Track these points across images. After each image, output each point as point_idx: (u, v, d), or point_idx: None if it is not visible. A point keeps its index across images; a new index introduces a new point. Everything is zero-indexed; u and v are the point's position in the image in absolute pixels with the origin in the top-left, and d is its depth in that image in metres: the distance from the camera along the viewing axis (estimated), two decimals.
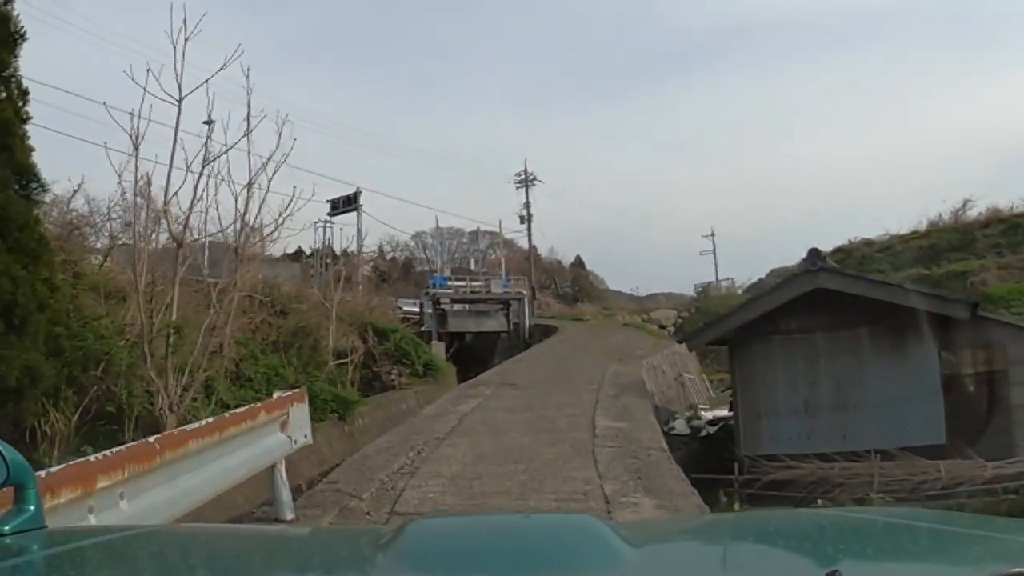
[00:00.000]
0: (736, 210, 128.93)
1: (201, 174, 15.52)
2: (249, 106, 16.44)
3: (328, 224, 59.88)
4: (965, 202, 65.22)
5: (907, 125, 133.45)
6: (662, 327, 60.28)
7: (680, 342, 35.12)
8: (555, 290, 78.16)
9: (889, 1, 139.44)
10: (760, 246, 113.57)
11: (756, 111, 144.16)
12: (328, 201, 59.62)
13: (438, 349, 49.62)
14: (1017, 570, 1.81)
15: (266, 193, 17.59)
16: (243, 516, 11.48)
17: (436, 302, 53.80)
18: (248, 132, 16.42)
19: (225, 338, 17.46)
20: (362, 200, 59.01)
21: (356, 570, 2.50)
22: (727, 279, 70.79)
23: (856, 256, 65.89)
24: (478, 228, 74.82)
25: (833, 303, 21.78)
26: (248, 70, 16.36)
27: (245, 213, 17.74)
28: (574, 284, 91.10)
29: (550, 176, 72.66)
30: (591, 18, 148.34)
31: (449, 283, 55.53)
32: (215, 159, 15.89)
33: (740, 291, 67.99)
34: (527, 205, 70.34)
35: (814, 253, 22.26)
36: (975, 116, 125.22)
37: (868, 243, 68.02)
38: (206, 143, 16.18)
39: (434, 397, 27.79)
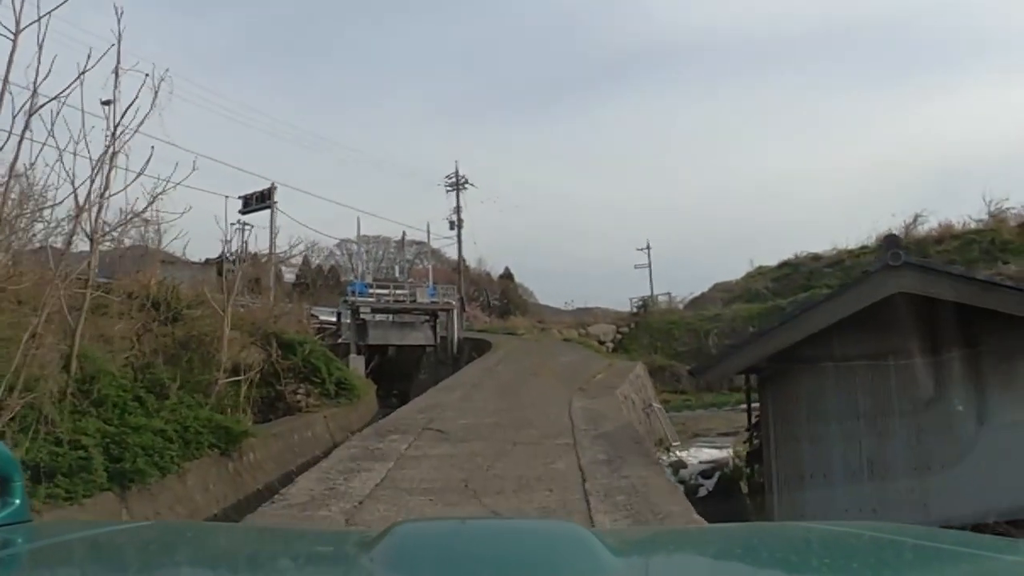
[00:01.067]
0: (670, 227, 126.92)
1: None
2: (119, 56, 13.38)
3: (245, 226, 53.99)
4: (916, 217, 61.94)
5: (838, 144, 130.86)
6: (601, 343, 56.03)
7: (692, 373, 27.89)
8: (484, 302, 70.50)
9: (817, 25, 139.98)
10: (697, 262, 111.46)
11: (692, 129, 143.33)
12: (240, 197, 52.88)
13: (356, 364, 44.79)
14: None
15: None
16: None
17: (355, 312, 48.12)
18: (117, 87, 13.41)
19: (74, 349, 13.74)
20: (279, 197, 52.81)
21: (341, 570, 2.37)
22: (665, 294, 65.99)
23: (803, 271, 63.41)
24: (403, 233, 66.91)
25: (914, 316, 14.91)
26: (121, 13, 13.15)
27: (104, 190, 14.11)
28: (503, 297, 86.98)
29: (480, 187, 61.89)
30: (519, 32, 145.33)
31: (370, 291, 48.03)
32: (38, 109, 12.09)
33: (681, 306, 64.70)
34: (457, 210, 63.84)
35: (892, 242, 15.38)
36: (902, 137, 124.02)
37: (816, 257, 64.40)
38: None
39: (348, 422, 24.32)
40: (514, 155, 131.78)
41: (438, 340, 50.70)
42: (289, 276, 64.17)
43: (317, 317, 52.92)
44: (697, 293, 66.29)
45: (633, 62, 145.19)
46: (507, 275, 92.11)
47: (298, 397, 26.04)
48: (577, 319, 60.82)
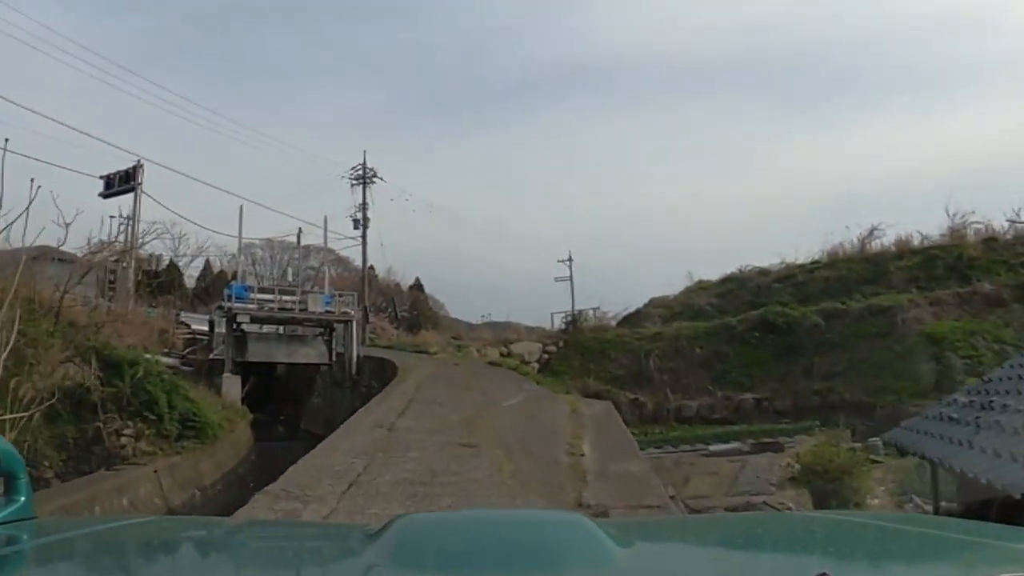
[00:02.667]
0: (592, 242, 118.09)
1: None
2: None
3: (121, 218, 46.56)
4: (872, 230, 56.41)
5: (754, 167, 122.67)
6: (525, 362, 47.17)
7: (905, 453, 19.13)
8: (392, 314, 60.11)
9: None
10: (622, 277, 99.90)
11: (610, 147, 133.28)
12: (102, 177, 42.16)
13: (231, 387, 36.61)
14: None
15: None
16: None
17: (232, 320, 38.80)
18: None
19: None
20: (154, 180, 41.63)
21: (344, 564, 2.37)
22: (594, 308, 56.90)
23: (750, 286, 57.17)
24: (299, 230, 56.36)
25: None
26: None
27: None
28: (412, 309, 79.18)
29: (389, 183, 51.55)
30: (433, 47, 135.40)
31: (251, 296, 36.81)
32: None
33: (614, 322, 56.50)
34: (363, 207, 52.94)
35: None
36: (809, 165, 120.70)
37: (763, 272, 58.08)
38: None
39: (198, 474, 18.58)
40: (426, 167, 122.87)
41: (334, 357, 40.80)
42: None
43: (188, 326, 42.40)
44: (632, 308, 58.51)
45: (548, 80, 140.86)
46: (418, 286, 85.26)
47: (123, 440, 18.81)
48: (497, 336, 51.86)
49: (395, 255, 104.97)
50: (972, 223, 53.40)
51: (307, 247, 73.80)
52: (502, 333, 52.38)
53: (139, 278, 41.20)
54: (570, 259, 75.07)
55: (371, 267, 79.13)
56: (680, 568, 2.32)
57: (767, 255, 63.38)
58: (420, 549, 2.08)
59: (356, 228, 57.56)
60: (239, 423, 30.18)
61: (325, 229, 49.33)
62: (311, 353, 41.45)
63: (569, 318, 53.48)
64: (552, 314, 57.97)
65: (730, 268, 59.60)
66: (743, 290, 56.33)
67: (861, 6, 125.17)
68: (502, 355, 46.29)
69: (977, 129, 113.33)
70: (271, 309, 39.56)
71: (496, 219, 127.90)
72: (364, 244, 56.80)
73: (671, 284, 63.61)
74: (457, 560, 2.00)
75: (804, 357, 46.31)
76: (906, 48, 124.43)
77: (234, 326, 38.03)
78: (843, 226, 71.27)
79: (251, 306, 38.77)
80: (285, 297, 40.66)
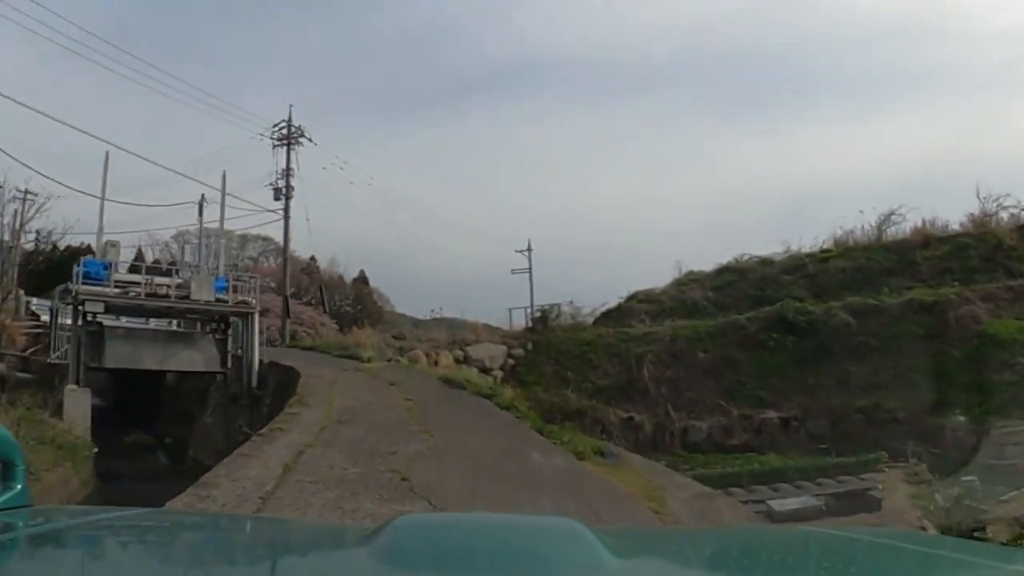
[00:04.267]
0: (549, 239, 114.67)
1: None
2: None
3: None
4: (890, 214, 46.75)
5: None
6: (486, 370, 36.90)
7: None
8: (324, 306, 47.46)
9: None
10: (588, 273, 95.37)
11: (561, 143, 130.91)
12: None
13: (76, 404, 25.26)
14: None
15: None
16: None
17: (80, 308, 26.09)
18: None
19: None
20: None
21: (340, 563, 2.30)
22: (566, 302, 44.74)
23: (752, 278, 46.47)
24: (202, 196, 41.92)
25: None
26: None
27: None
28: (356, 303, 70.17)
29: (320, 145, 38.72)
30: (383, 40, 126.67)
31: (113, 276, 24.33)
32: None
33: (591, 320, 45.17)
34: (287, 173, 40.41)
35: None
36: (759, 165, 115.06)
37: (765, 261, 47.54)
38: None
39: None
40: (372, 161, 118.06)
41: (230, 364, 28.14)
42: None
43: (38, 317, 30.29)
44: (610, 303, 47.48)
45: (493, 79, 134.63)
46: (362, 279, 76.17)
47: None
48: (451, 335, 39.70)
49: (330, 240, 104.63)
50: (1006, 207, 44.82)
51: (245, 235, 68.35)
52: (457, 332, 40.79)
53: None
54: (529, 248, 64.92)
55: (312, 257, 73.49)
56: None
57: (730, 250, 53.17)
58: (416, 550, 2.01)
59: (277, 199, 44.70)
60: (76, 460, 19.19)
61: (223, 189, 36.48)
62: (196, 358, 29.75)
63: (537, 314, 41.85)
64: (510, 310, 47.17)
65: (701, 262, 51.25)
66: (743, 282, 46.00)
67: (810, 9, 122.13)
68: (457, 361, 34.85)
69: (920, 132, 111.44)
70: (137, 296, 27.28)
71: (446, 211, 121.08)
72: (287, 219, 44.42)
73: (656, 276, 52.62)
74: (452, 562, 1.95)
75: (835, 364, 36.31)
76: (853, 52, 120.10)
77: (87, 318, 25.82)
78: (861, 211, 60.12)
79: (109, 290, 26.66)
80: (159, 280, 28.41)
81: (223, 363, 29.91)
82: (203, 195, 40.30)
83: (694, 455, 31.99)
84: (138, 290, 27.70)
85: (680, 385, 36.17)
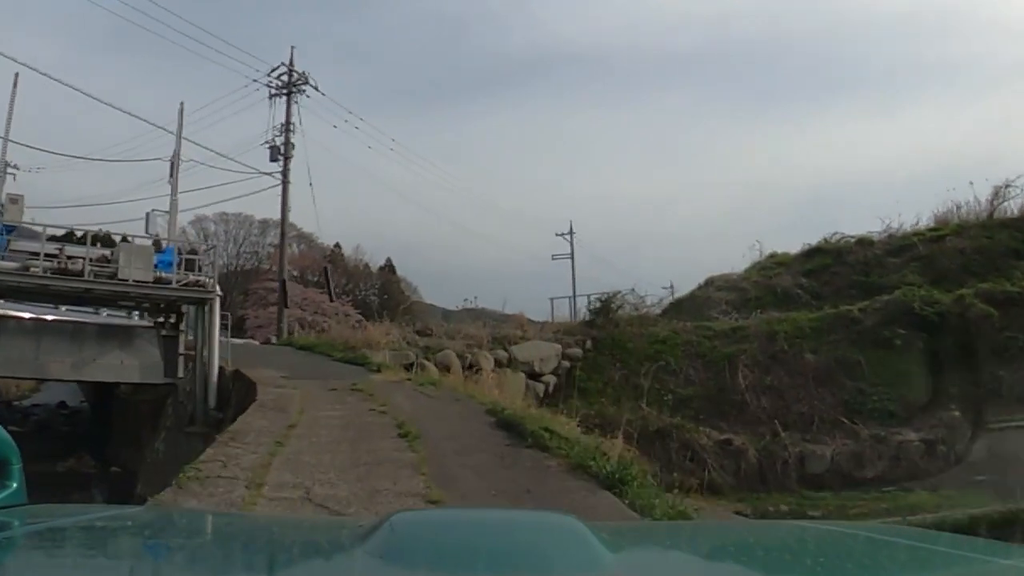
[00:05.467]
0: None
1: None
2: None
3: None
4: (1005, 186, 35.80)
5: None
6: (535, 375, 28.28)
7: None
8: (330, 293, 38.86)
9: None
10: (628, 262, 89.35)
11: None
12: None
13: None
14: None
15: None
16: None
17: None
18: None
19: None
20: None
21: (337, 560, 2.26)
22: (628, 290, 35.30)
23: (851, 261, 37.22)
24: (177, 150, 30.79)
25: None
26: None
27: None
28: (382, 292, 67.84)
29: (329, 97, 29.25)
30: (409, 32, 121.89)
31: (10, 246, 15.01)
32: None
33: (657, 311, 36.22)
34: (287, 128, 31.18)
35: None
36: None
37: (863, 241, 37.89)
38: None
39: None
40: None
41: (183, 373, 19.36)
42: None
43: None
44: (681, 291, 39.49)
45: (522, 70, 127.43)
46: (388, 267, 73.43)
47: None
48: (490, 330, 29.50)
49: (343, 219, 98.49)
50: None
51: (266, 221, 64.57)
52: (495, 326, 31.11)
53: None
54: (571, 232, 61.39)
55: (337, 244, 69.72)
56: (668, 574, 2.26)
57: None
58: (413, 546, 1.96)
59: (274, 160, 35.70)
60: None
61: (180, 124, 27.63)
62: (128, 364, 21.04)
63: (598, 303, 32.55)
64: (552, 300, 40.32)
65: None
66: (840, 266, 36.59)
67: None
68: (499, 364, 25.89)
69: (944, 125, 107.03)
70: (45, 272, 18.34)
71: (476, 200, 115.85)
72: (285, 184, 35.13)
73: (727, 262, 44.45)
74: (449, 558, 1.91)
75: (980, 368, 27.20)
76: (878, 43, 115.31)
77: None
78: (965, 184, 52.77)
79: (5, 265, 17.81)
80: (71, 251, 19.33)
81: (170, 371, 21.24)
82: (175, 151, 31.31)
83: (820, 493, 22.90)
84: (46, 264, 18.65)
85: (785, 396, 27.26)
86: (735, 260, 42.84)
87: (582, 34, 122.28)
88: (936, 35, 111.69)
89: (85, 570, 2.08)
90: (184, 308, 21.49)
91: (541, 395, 26.22)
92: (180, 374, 21.52)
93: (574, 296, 47.39)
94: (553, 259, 59.73)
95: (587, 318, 32.26)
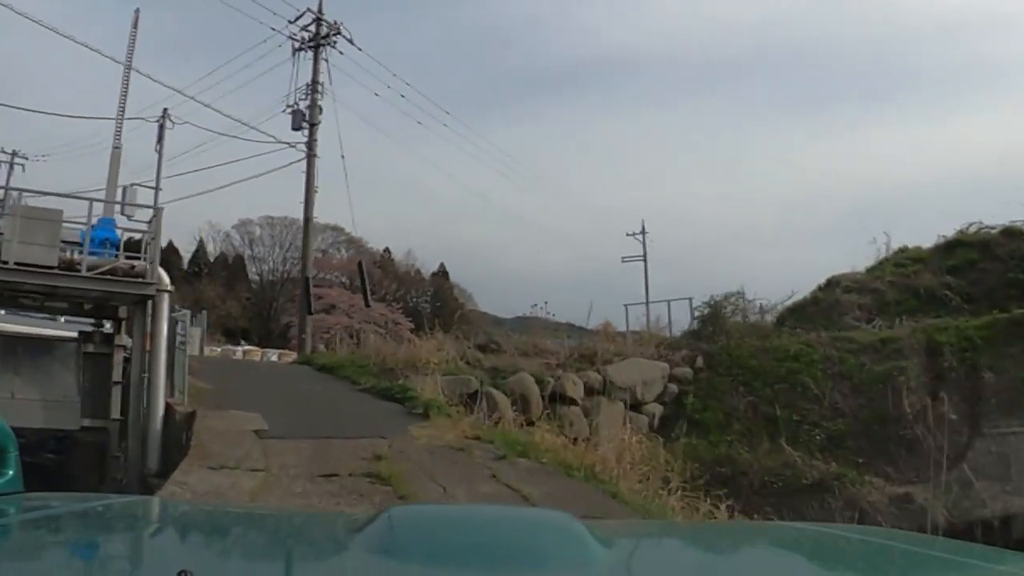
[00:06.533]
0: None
1: None
2: None
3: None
4: None
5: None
6: (637, 404, 20.29)
7: None
8: (366, 297, 31.03)
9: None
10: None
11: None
12: None
13: None
14: None
15: None
16: None
17: None
18: None
19: None
20: None
21: (331, 553, 2.15)
22: (733, 293, 27.61)
23: (1002, 254, 28.43)
24: (165, 112, 25.03)
25: None
26: None
27: None
28: (435, 300, 65.29)
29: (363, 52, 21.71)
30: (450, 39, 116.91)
31: None
32: None
33: (770, 317, 28.61)
34: (313, 88, 23.89)
35: None
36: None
37: (1013, 233, 29.19)
38: None
39: None
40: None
41: (118, 410, 12.12)
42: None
43: None
44: (797, 294, 30.21)
45: (569, 75, 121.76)
46: (441, 273, 70.30)
47: None
48: (578, 346, 22.47)
49: (411, 237, 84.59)
50: None
51: (311, 225, 55.55)
52: (583, 341, 23.57)
53: None
54: (643, 231, 53.96)
55: (386, 249, 68.18)
56: (662, 573, 2.16)
57: None
58: (406, 541, 1.91)
59: (297, 128, 28.23)
60: None
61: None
62: (25, 399, 13.45)
63: (706, 309, 25.66)
64: (626, 307, 32.92)
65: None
66: (990, 260, 28.54)
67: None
68: (591, 391, 18.99)
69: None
70: None
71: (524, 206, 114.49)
72: (310, 158, 28.03)
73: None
74: (443, 554, 1.84)
75: None
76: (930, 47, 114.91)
77: None
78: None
79: None
80: None
81: (96, 408, 14.03)
82: (165, 110, 24.83)
83: None
84: None
85: (964, 428, 19.76)
86: (804, 263, 36.31)
87: (625, 40, 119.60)
88: (987, 37, 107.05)
89: (81, 558, 1.98)
90: (113, 305, 14.32)
91: (645, 430, 19.21)
92: (115, 414, 14.23)
93: (648, 302, 41.05)
94: (623, 261, 53.24)
95: (692, 327, 25.10)
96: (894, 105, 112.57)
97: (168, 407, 13.46)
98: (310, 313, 24.80)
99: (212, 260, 71.51)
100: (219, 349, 39.07)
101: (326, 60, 27.99)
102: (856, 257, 37.91)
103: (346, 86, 39.66)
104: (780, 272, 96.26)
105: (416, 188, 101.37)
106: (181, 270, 70.00)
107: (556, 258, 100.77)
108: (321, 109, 27.73)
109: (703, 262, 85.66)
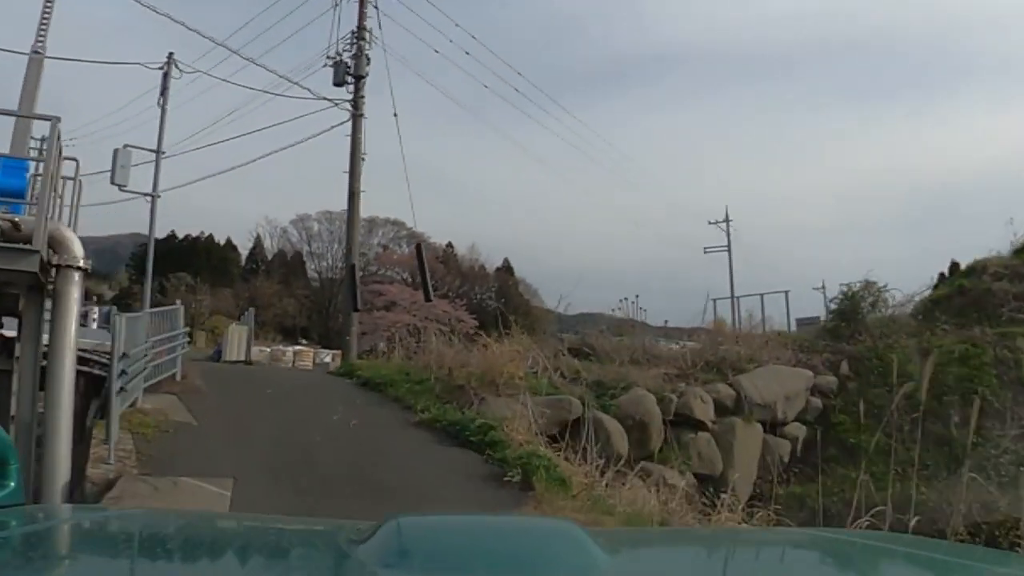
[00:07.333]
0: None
1: None
2: None
3: None
4: None
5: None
6: (775, 424, 15.05)
7: None
8: (427, 289, 25.72)
9: None
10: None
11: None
12: None
13: None
14: None
15: None
16: None
17: None
18: None
19: None
20: None
21: (333, 564, 2.01)
22: (859, 282, 21.38)
23: None
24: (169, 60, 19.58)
25: None
26: None
27: None
28: (499, 296, 56.91)
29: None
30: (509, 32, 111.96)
31: None
32: None
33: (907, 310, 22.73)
34: (359, 34, 19.08)
35: None
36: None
37: None
38: None
39: None
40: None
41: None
42: None
43: None
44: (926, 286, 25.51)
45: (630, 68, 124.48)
46: (506, 268, 65.21)
47: None
48: (701, 351, 17.46)
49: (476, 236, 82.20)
50: None
51: (372, 219, 57.37)
52: (709, 343, 18.73)
53: None
54: (727, 219, 48.58)
55: (449, 244, 64.00)
56: None
57: None
58: (409, 551, 1.77)
59: (340, 84, 22.97)
60: None
61: None
62: None
63: (842, 298, 20.48)
64: (714, 300, 31.83)
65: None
66: None
67: None
68: (723, 409, 14.12)
69: None
70: None
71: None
72: (356, 118, 22.76)
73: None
74: (446, 564, 1.72)
75: None
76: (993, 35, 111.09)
77: None
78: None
79: None
80: None
81: None
82: (171, 54, 20.61)
83: None
84: None
85: None
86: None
87: (682, 35, 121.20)
88: None
89: (83, 570, 1.87)
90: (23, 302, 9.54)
91: (787, 460, 14.50)
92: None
93: (733, 296, 37.61)
94: (705, 252, 48.12)
95: (827, 321, 20.09)
96: (956, 95, 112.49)
97: (78, 469, 8.45)
98: (356, 309, 20.04)
99: (270, 258, 69.01)
100: (267, 350, 35.67)
101: (375, 5, 22.76)
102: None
103: (399, 37, 34.87)
104: (852, 263, 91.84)
105: (477, 174, 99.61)
106: (239, 267, 67.99)
107: (614, 251, 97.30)
108: (368, 60, 22.42)
109: (766, 256, 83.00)
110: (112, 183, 19.65)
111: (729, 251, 47.52)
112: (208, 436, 9.69)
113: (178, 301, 16.36)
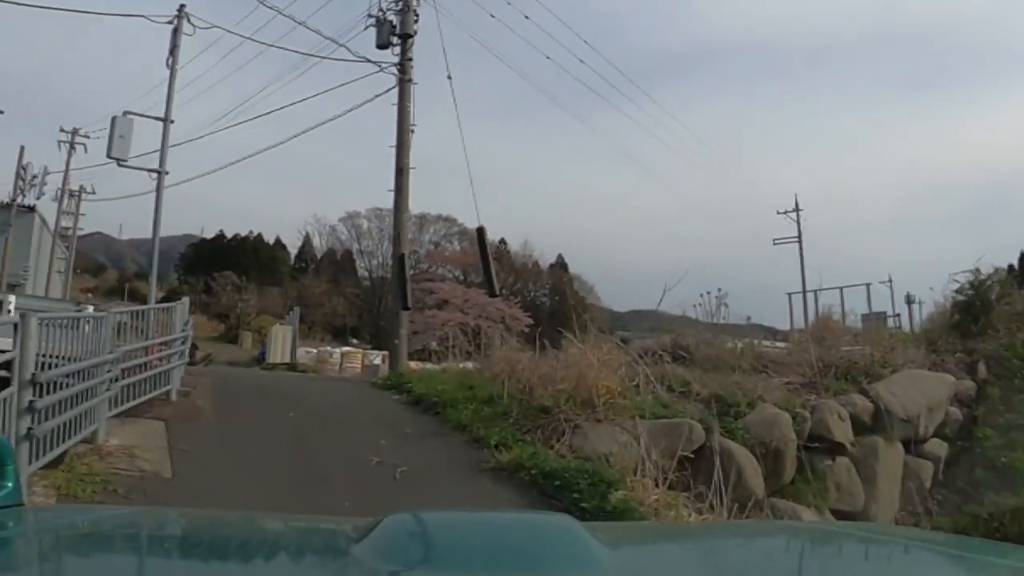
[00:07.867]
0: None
1: None
2: None
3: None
4: None
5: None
6: (912, 442, 11.82)
7: None
8: (492, 285, 22.57)
9: None
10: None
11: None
12: None
13: None
14: None
15: None
16: None
17: None
18: None
19: None
20: None
21: (330, 562, 2.02)
22: (997, 271, 18.58)
23: None
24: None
25: None
26: None
27: None
28: (553, 293, 60.50)
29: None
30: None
31: None
32: None
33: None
34: None
35: None
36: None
37: None
38: None
39: None
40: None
41: None
42: None
43: None
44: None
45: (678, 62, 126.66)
46: (560, 264, 64.92)
47: None
48: (827, 353, 14.47)
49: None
50: None
51: (423, 216, 58.29)
52: (835, 343, 15.76)
53: None
54: (796, 208, 46.43)
55: (502, 240, 62.01)
56: (664, 574, 2.02)
57: None
58: (408, 548, 1.77)
59: (383, 47, 19.54)
60: None
61: None
62: None
63: (968, 285, 17.38)
64: (790, 295, 33.30)
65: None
66: None
67: None
68: (858, 425, 11.37)
69: None
70: None
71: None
72: (403, 84, 19.33)
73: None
74: (444, 560, 1.71)
75: None
76: None
77: None
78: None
79: None
80: None
81: None
82: (182, 6, 18.45)
83: None
84: None
85: None
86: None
87: (734, 27, 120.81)
88: None
89: (83, 571, 1.85)
90: None
91: (929, 486, 11.80)
92: None
93: (804, 292, 35.53)
94: (775, 244, 46.36)
95: (952, 318, 17.24)
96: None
97: None
98: (406, 307, 17.28)
99: (319, 256, 68.42)
100: (314, 351, 33.83)
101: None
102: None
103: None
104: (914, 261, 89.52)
105: (529, 165, 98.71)
106: (288, 266, 66.83)
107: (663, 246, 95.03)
108: (417, 16, 19.33)
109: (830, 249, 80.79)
110: (108, 156, 17.53)
111: (800, 242, 45.66)
112: (181, 501, 6.76)
113: (184, 298, 13.90)
